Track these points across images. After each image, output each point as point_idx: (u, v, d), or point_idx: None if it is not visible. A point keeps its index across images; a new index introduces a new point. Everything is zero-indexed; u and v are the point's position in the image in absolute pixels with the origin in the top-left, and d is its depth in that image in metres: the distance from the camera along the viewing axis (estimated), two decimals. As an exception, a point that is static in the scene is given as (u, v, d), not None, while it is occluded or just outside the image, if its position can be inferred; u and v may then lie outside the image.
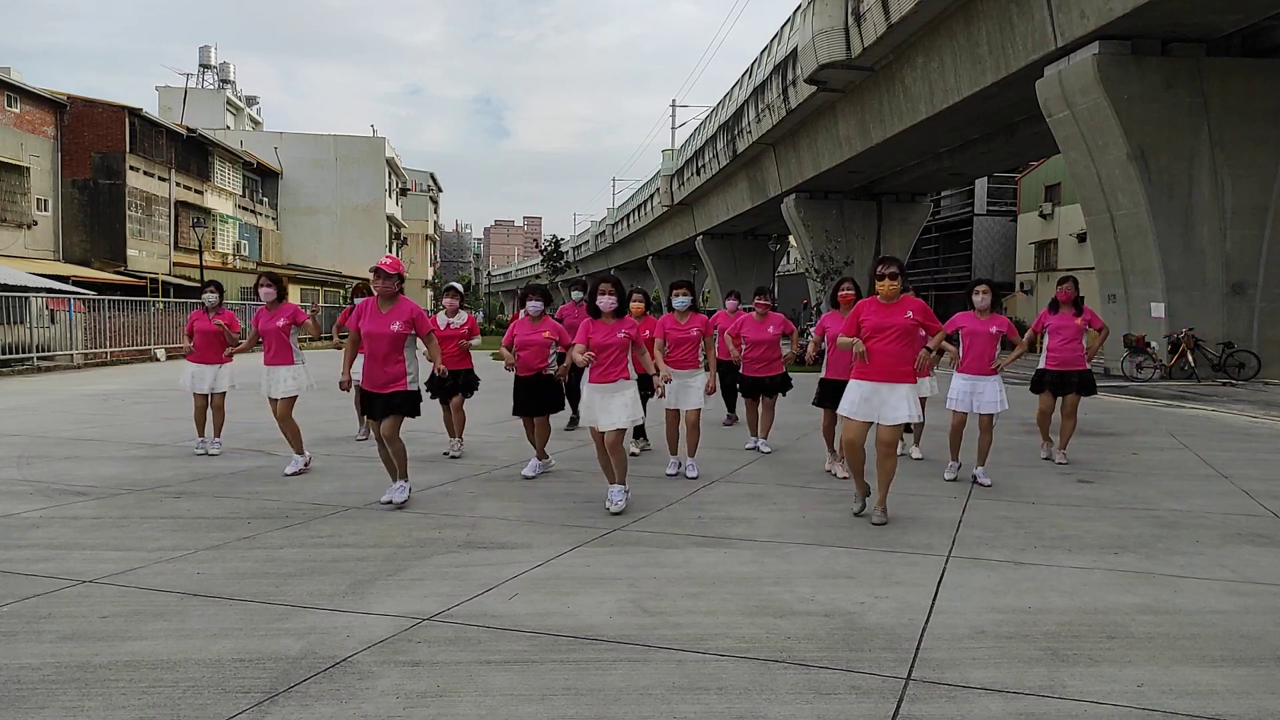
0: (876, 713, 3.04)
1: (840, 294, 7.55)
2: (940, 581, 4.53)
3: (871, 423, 5.67)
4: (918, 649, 3.61)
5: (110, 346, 21.94)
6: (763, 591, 4.33)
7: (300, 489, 6.73)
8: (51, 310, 20.51)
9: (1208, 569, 4.80)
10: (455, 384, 8.22)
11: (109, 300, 22.41)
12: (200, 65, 66.40)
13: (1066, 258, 40.01)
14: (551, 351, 7.28)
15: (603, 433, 6.08)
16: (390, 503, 6.09)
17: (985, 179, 45.05)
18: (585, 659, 3.48)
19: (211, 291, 8.43)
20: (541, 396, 7.29)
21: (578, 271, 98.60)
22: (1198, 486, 7.15)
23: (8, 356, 18.61)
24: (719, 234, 55.06)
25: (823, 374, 7.64)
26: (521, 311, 7.61)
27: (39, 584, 4.34)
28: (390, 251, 59.23)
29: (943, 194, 48.15)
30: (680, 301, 7.60)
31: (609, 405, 6.02)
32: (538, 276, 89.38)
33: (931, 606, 4.14)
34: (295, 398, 7.44)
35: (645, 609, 4.07)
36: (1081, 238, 35.66)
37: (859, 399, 5.67)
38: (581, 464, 7.87)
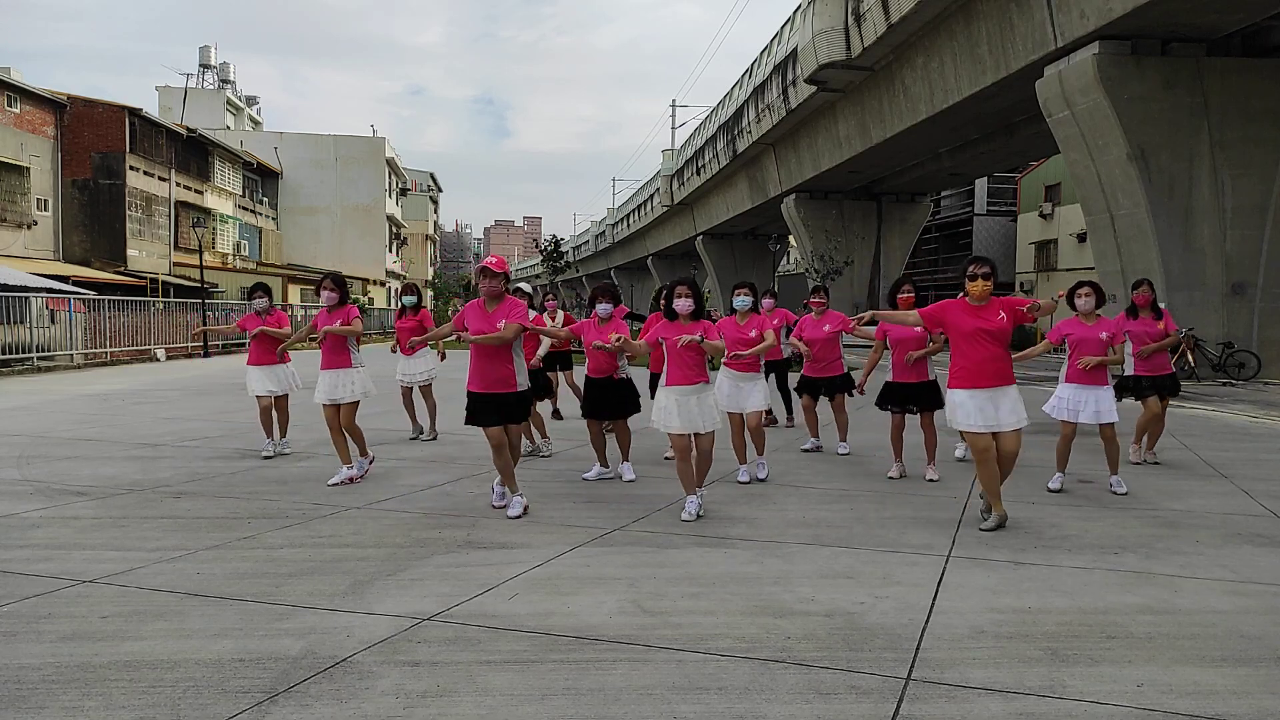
0: (876, 713, 3.04)
1: (901, 296, 7.44)
2: (940, 581, 4.53)
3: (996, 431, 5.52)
4: (918, 649, 3.61)
5: (110, 346, 21.94)
6: (763, 591, 4.33)
7: (300, 489, 6.73)
8: (51, 310, 20.51)
9: (1208, 569, 4.80)
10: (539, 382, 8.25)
11: (109, 300, 22.41)
12: (200, 65, 66.41)
13: (1066, 258, 40.01)
14: (621, 356, 7.15)
15: (689, 436, 5.90)
16: (511, 514, 5.88)
17: (985, 179, 45.05)
18: (585, 659, 3.48)
19: (260, 296, 8.38)
20: (614, 399, 7.19)
21: (577, 272, 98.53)
22: (1198, 486, 7.15)
23: (8, 356, 18.61)
24: (719, 234, 55.07)
25: (889, 378, 7.53)
26: (546, 315, 7.51)
27: (39, 584, 4.34)
28: (390, 251, 59.24)
29: (943, 194, 48.16)
30: (741, 301, 7.36)
31: (694, 407, 5.86)
32: (538, 276, 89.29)
33: (931, 606, 4.14)
34: (358, 403, 7.22)
35: (645, 609, 4.07)
36: (1081, 238, 35.65)
37: (974, 409, 5.50)
38: (581, 464, 7.87)
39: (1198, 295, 18.99)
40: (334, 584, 4.38)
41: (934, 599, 4.24)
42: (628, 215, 76.85)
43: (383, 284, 56.80)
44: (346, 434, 7.15)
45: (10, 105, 30.49)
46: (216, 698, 3.10)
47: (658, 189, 59.70)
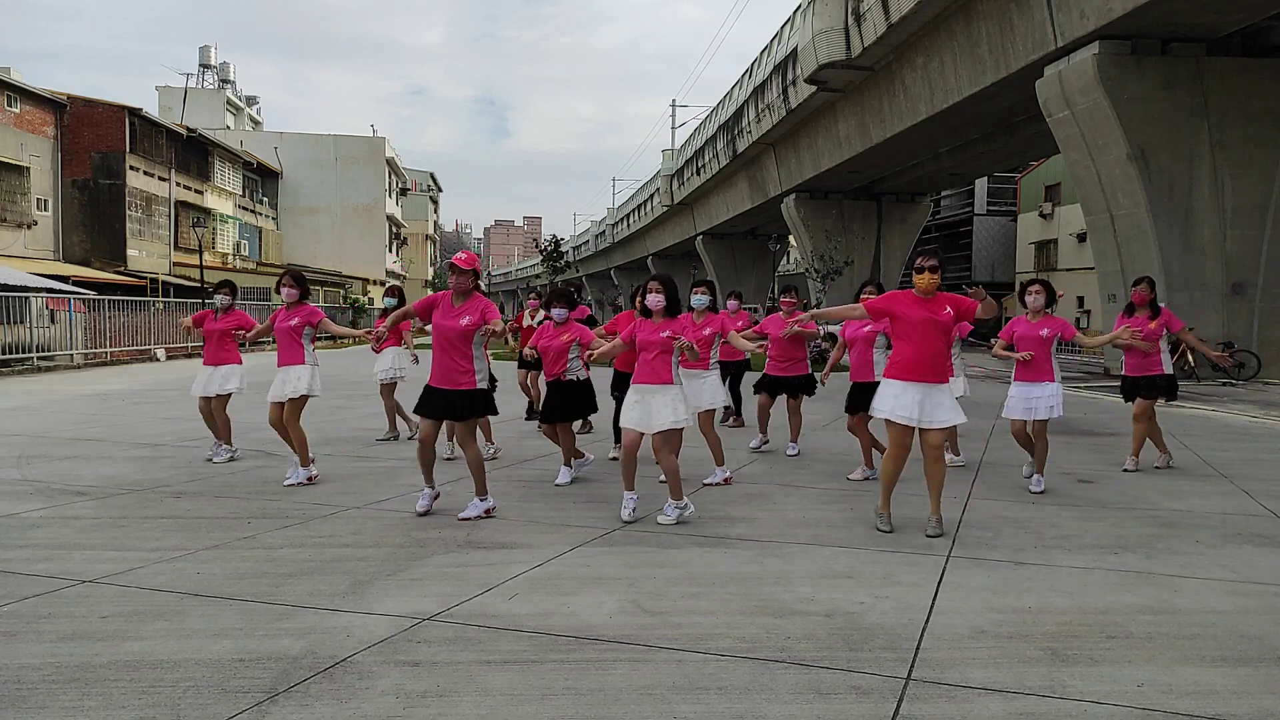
0: (876, 713, 3.05)
1: (863, 298, 7.46)
2: (940, 581, 4.53)
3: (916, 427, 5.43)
4: (918, 649, 3.61)
5: (110, 346, 21.94)
6: (763, 591, 4.33)
7: (300, 489, 6.73)
8: (51, 310, 20.51)
9: (1208, 569, 4.80)
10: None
11: (109, 300, 22.41)
12: (200, 65, 66.44)
13: (1066, 258, 40.02)
14: (572, 355, 7.19)
15: (640, 435, 5.83)
16: (427, 512, 5.88)
17: (985, 179, 45.06)
18: (585, 659, 3.48)
19: (225, 294, 8.16)
20: (567, 401, 7.16)
21: (577, 271, 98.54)
22: (1198, 486, 7.15)
23: (8, 356, 18.61)
24: (719, 234, 55.07)
25: (850, 378, 7.52)
26: (526, 313, 7.56)
27: (39, 584, 4.34)
28: (390, 251, 59.23)
29: (943, 194, 48.15)
30: (698, 300, 7.49)
31: (652, 407, 5.78)
32: (538, 276, 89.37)
33: (931, 606, 4.14)
34: (304, 400, 7.12)
35: (645, 609, 4.07)
36: (1081, 238, 35.66)
37: (903, 401, 5.38)
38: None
39: (1198, 295, 18.99)
40: (334, 584, 4.38)
41: (934, 599, 4.24)
42: (628, 215, 76.83)
43: (383, 284, 56.80)
44: (289, 434, 7.03)
45: (10, 105, 30.49)
46: (216, 698, 3.10)
47: (658, 189, 59.68)
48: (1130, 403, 8.10)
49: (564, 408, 7.16)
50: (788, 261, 65.90)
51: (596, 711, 3.03)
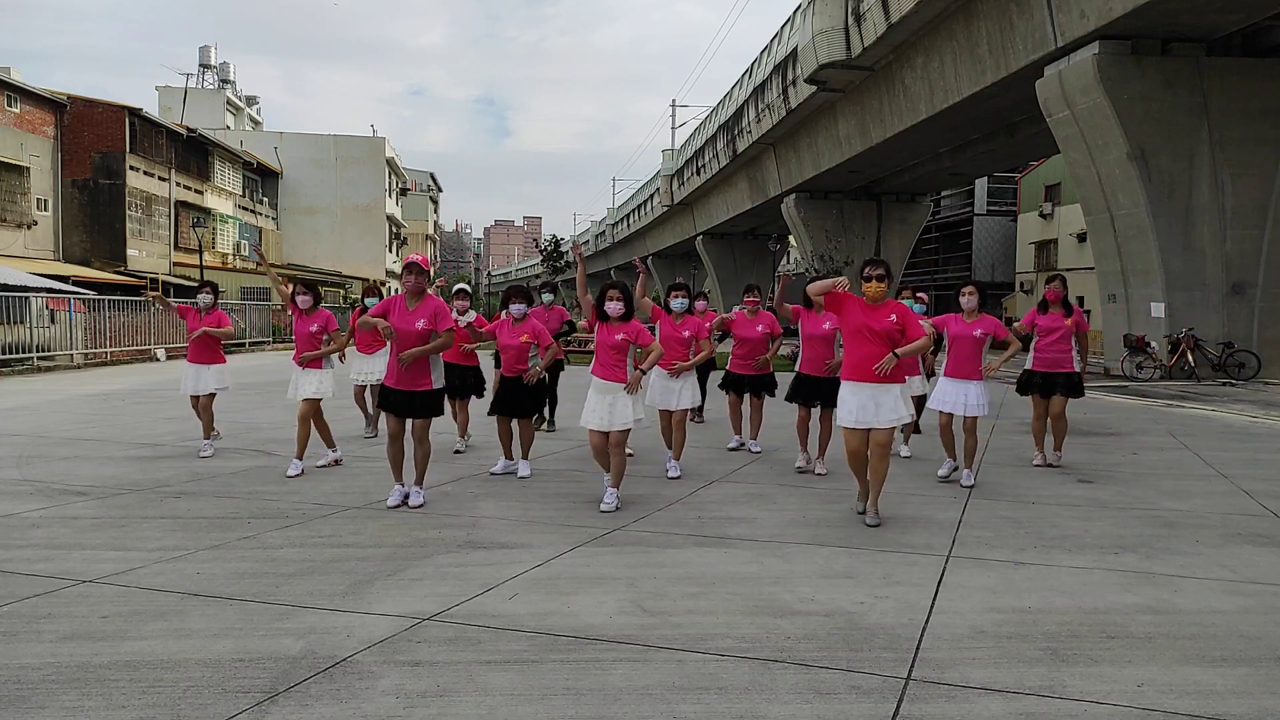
0: (876, 713, 3.05)
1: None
2: (940, 581, 4.53)
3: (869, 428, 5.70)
4: (918, 649, 3.61)
5: (110, 346, 21.94)
6: (763, 591, 4.33)
7: (300, 489, 6.73)
8: (51, 310, 20.50)
9: (1208, 569, 4.80)
10: (463, 383, 8.38)
11: (109, 300, 22.40)
12: (200, 65, 66.38)
13: (1066, 258, 40.01)
14: (532, 354, 7.29)
15: (606, 432, 6.16)
16: (398, 506, 6.11)
17: (985, 179, 45.06)
18: (585, 659, 3.48)
19: (206, 293, 8.52)
20: (523, 397, 7.32)
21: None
22: (1198, 486, 7.15)
23: (8, 356, 18.61)
24: (719, 234, 55.09)
25: (797, 369, 7.64)
26: (504, 312, 7.64)
27: (39, 584, 4.34)
28: (390, 251, 59.23)
29: (943, 194, 48.15)
30: (678, 303, 7.72)
31: (614, 406, 6.12)
32: (538, 276, 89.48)
33: (931, 606, 4.14)
34: (319, 400, 7.51)
35: (645, 609, 4.07)
36: (1081, 238, 35.66)
37: (855, 406, 5.67)
38: (581, 464, 7.87)
39: (1198, 295, 18.99)
40: (334, 584, 4.38)
41: (934, 599, 4.24)
42: (628, 215, 76.85)
43: (383, 284, 56.79)
44: (315, 426, 7.50)
45: (10, 105, 30.48)
46: (216, 698, 3.10)
47: (658, 189, 59.69)
48: (1024, 395, 8.21)
49: (513, 404, 7.32)
50: (788, 261, 65.86)
51: (596, 711, 3.03)
